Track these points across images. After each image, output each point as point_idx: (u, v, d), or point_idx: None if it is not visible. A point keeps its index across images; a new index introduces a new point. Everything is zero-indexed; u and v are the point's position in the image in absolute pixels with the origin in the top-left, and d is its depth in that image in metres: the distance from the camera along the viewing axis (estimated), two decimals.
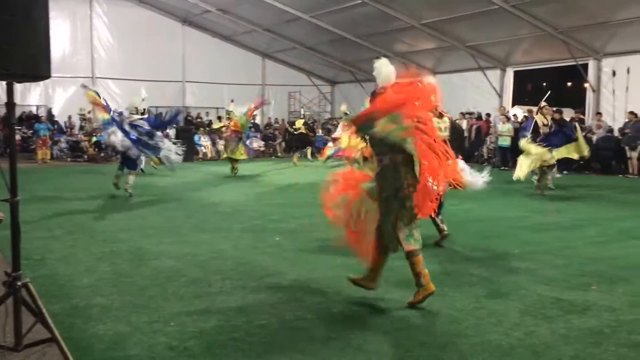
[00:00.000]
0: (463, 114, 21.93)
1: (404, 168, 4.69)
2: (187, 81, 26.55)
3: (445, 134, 6.60)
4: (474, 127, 21.38)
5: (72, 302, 4.76)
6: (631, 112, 16.72)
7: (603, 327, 4.29)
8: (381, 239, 4.86)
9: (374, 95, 5.15)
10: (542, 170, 11.94)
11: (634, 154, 16.52)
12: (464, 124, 21.72)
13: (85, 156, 21.33)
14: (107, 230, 7.92)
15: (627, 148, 16.68)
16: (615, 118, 17.99)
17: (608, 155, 17.22)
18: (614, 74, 18.07)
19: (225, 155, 16.48)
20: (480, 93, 22.35)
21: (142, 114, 11.20)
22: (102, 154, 21.06)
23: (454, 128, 7.25)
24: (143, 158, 11.39)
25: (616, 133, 17.40)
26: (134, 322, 4.31)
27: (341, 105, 18.82)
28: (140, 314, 4.48)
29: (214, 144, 22.98)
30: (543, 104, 12.40)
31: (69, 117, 23.31)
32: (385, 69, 5.06)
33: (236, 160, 15.91)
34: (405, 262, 4.78)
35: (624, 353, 3.82)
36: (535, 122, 12.10)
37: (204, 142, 23.05)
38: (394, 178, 4.70)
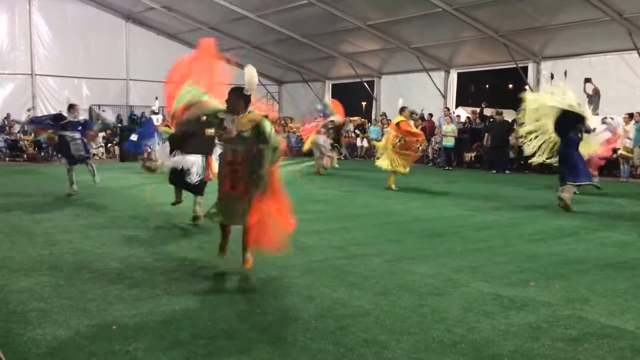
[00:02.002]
0: (411, 114, 22.23)
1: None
2: (130, 79, 26.05)
3: None
4: (419, 127, 21.72)
5: (9, 307, 4.60)
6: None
7: (541, 322, 4.42)
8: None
9: (244, 99, 5.66)
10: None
11: None
12: (411, 124, 22.04)
13: (25, 155, 20.70)
14: (46, 231, 7.69)
15: None
16: None
17: None
18: (552, 76, 18.65)
19: None
20: (424, 94, 22.75)
21: None
22: (42, 154, 20.47)
23: None
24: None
25: None
26: (74, 326, 4.20)
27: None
28: (81, 317, 4.37)
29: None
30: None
31: (8, 115, 22.56)
32: (254, 78, 5.75)
33: None
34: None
35: (561, 347, 3.95)
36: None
37: None
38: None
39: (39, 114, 23.69)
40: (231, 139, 5.64)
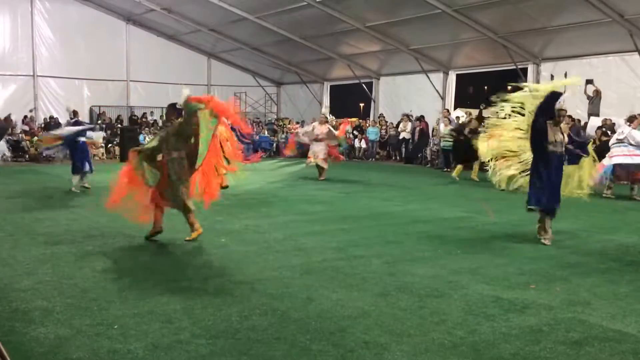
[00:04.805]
0: (408, 116, 22.26)
1: (187, 161, 7.01)
2: (131, 80, 26.05)
3: None
4: (417, 129, 21.73)
5: (12, 305, 4.62)
6: (569, 116, 17.28)
7: (542, 325, 4.42)
8: (166, 202, 7.15)
9: (174, 108, 7.22)
10: None
11: None
12: (409, 126, 22.07)
13: (27, 156, 20.69)
14: (48, 231, 7.71)
15: None
16: None
17: None
18: (552, 78, 18.63)
19: None
20: (423, 95, 22.73)
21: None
22: (43, 154, 20.42)
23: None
24: None
25: None
26: (76, 325, 4.21)
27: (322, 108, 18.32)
28: (83, 316, 4.39)
29: None
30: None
31: (9, 116, 22.51)
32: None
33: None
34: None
35: (562, 350, 3.95)
36: None
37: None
38: (180, 166, 7.00)
39: (40, 115, 23.74)
40: None
